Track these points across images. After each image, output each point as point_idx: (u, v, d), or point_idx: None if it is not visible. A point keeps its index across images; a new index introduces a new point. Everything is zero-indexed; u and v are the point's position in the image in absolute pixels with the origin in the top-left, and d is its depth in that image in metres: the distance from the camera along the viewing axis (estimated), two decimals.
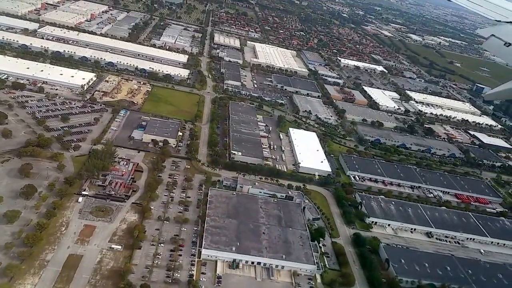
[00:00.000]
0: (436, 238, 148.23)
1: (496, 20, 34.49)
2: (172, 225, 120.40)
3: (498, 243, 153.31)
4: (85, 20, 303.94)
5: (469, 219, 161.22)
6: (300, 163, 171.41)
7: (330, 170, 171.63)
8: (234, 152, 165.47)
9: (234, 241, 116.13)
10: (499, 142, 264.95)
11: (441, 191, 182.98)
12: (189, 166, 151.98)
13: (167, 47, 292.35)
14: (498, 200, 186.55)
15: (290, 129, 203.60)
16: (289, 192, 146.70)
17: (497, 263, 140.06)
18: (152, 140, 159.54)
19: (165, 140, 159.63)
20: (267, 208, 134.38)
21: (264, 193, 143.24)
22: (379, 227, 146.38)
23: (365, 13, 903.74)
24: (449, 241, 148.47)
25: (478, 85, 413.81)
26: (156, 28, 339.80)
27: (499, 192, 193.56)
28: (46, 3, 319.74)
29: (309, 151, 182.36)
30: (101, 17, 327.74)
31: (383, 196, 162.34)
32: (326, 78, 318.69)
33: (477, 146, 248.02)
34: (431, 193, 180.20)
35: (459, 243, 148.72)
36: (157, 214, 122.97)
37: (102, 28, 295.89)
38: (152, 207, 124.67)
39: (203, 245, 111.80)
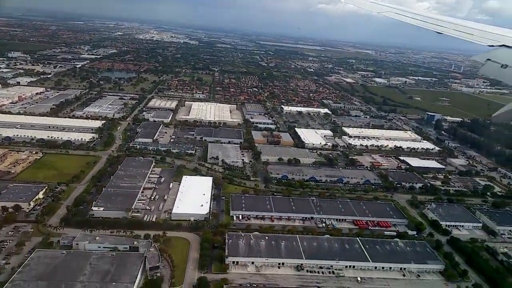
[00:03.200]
0: (307, 271, 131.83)
1: (488, 46, 36.10)
2: None
3: (383, 268, 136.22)
4: (10, 103, 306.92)
5: (354, 245, 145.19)
6: (171, 210, 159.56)
7: (205, 213, 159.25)
8: (94, 208, 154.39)
9: None
10: (432, 164, 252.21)
11: (336, 219, 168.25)
12: (32, 230, 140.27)
13: (88, 116, 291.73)
14: (403, 221, 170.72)
15: (184, 177, 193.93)
16: (135, 243, 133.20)
17: None
18: (2, 207, 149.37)
19: (16, 205, 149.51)
20: (97, 264, 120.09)
21: (103, 247, 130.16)
22: (241, 266, 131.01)
23: (333, 66, 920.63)
24: (322, 272, 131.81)
25: (429, 113, 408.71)
26: (88, 101, 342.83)
27: (405, 213, 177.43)
28: None
29: (193, 197, 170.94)
30: (31, 98, 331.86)
31: (257, 233, 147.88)
32: (257, 125, 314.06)
33: (403, 171, 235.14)
34: (324, 222, 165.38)
35: (333, 273, 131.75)
36: None
37: (25, 108, 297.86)
38: None
39: None
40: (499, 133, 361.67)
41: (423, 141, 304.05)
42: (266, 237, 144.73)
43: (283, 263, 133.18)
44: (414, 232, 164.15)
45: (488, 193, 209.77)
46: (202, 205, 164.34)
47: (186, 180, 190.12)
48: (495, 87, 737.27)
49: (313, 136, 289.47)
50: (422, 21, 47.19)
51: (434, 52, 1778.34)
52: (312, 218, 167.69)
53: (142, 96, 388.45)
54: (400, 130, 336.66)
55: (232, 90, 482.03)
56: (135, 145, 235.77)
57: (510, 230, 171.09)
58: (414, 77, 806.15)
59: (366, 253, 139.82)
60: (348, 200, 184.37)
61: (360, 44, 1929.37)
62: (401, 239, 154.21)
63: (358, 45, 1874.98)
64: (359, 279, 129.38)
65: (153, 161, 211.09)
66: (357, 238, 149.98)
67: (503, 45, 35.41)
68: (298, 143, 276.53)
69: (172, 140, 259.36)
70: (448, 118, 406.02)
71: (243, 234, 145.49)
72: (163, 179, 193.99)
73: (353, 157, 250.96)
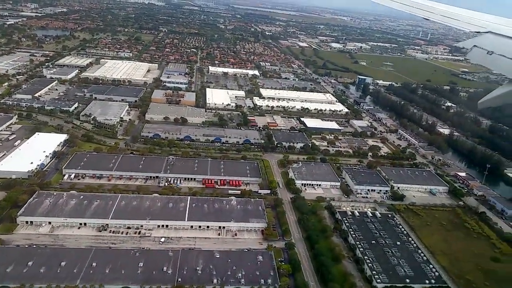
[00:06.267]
0: (111, 231, 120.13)
1: (475, 32, 36.60)
2: None
3: (200, 227, 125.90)
4: None
5: (180, 204, 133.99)
6: None
7: (28, 171, 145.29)
8: None
9: None
10: (330, 125, 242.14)
11: (185, 178, 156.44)
12: None
13: None
14: (257, 180, 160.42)
15: (36, 133, 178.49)
16: None
17: (154, 250, 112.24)
18: None
19: None
20: None
21: None
22: (34, 226, 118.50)
23: (296, 30, 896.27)
24: (127, 233, 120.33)
25: (360, 77, 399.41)
26: None
27: (266, 172, 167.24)
28: None
29: (29, 154, 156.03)
30: None
31: (73, 192, 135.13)
32: (167, 84, 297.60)
33: (296, 131, 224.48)
34: (169, 181, 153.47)
35: (139, 233, 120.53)
36: None
37: None
38: None
39: None
40: (424, 97, 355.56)
41: (337, 103, 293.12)
42: (81, 197, 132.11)
43: (85, 223, 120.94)
44: (268, 191, 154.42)
45: (370, 154, 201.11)
46: (31, 163, 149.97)
47: (36, 137, 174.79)
48: (453, 54, 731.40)
49: (221, 97, 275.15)
50: (410, 6, 48.82)
51: (412, 21, 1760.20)
52: (157, 177, 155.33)
53: (59, 53, 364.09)
54: (320, 92, 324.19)
55: (167, 50, 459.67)
56: (8, 101, 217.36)
57: (368, 190, 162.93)
58: (374, 43, 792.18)
59: (186, 212, 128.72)
60: (209, 159, 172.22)
61: (341, 11, 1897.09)
62: (244, 197, 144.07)
63: (338, 11, 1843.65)
64: (162, 239, 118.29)
65: (13, 117, 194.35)
66: (188, 197, 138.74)
67: (489, 32, 35.69)
68: (202, 103, 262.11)
69: (58, 97, 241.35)
70: (380, 82, 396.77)
71: (55, 193, 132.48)
72: (13, 136, 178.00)
73: (251, 118, 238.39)
